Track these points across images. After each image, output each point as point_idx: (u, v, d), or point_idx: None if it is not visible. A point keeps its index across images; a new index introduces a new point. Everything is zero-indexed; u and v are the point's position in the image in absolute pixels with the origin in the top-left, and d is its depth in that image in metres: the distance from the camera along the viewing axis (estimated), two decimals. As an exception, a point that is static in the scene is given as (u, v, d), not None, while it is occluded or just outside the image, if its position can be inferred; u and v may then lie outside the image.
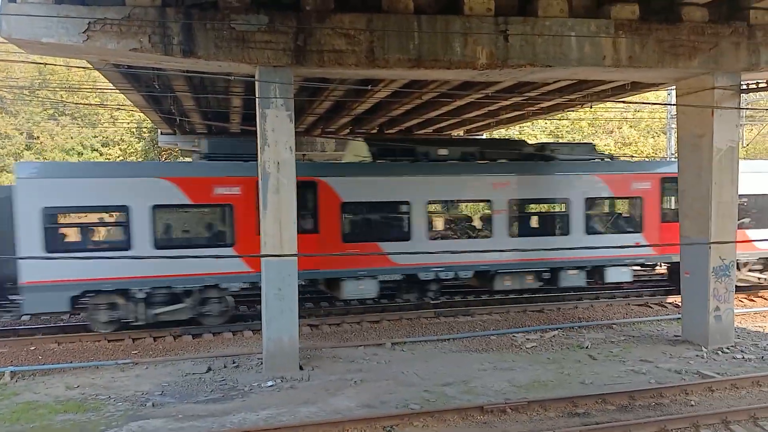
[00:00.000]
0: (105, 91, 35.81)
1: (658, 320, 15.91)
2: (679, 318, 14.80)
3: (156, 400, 10.51)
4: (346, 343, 14.20)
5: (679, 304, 14.49)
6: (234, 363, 12.60)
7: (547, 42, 11.62)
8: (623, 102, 19.62)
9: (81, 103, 37.12)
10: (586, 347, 13.45)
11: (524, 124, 39.32)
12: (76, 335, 14.76)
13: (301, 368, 11.96)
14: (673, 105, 18.80)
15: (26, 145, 40.00)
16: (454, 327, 15.62)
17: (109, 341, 14.48)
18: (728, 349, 13.03)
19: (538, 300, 18.26)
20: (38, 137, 40.27)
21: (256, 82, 11.29)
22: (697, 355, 12.68)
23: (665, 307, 17.58)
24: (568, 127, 46.63)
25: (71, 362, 12.93)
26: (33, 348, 14.01)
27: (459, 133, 31.09)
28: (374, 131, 28.83)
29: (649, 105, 41.62)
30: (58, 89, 37.98)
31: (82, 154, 40.90)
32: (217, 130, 29.95)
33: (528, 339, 14.22)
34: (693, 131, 13.25)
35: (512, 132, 45.09)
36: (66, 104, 40.03)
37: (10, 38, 10.06)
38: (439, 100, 20.02)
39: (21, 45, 10.60)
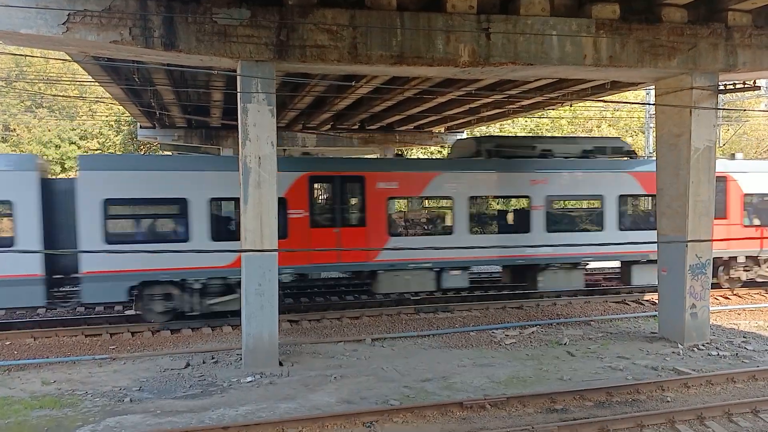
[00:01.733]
0: (84, 83, 35.46)
1: (635, 317, 16.09)
2: (655, 315, 14.97)
3: (134, 396, 10.43)
4: (326, 338, 14.20)
5: (656, 301, 14.66)
6: (213, 359, 12.55)
7: (529, 40, 11.68)
8: (603, 101, 19.73)
9: (59, 96, 36.71)
10: (565, 344, 13.56)
11: (505, 122, 39.51)
12: (53, 330, 14.60)
13: (280, 364, 11.94)
14: (652, 105, 19.00)
15: (2, 138, 39.47)
16: (433, 323, 15.68)
17: (86, 336, 14.36)
18: (704, 346, 13.21)
19: (517, 297, 18.38)
20: (14, 129, 39.74)
21: (238, 77, 11.24)
22: (673, 352, 12.84)
23: (642, 304, 17.77)
24: (548, 125, 46.94)
25: (47, 357, 12.81)
26: (8, 343, 13.86)
27: (440, 130, 31.17)
28: (355, 127, 28.82)
29: (628, 104, 42.00)
30: (35, 81, 37.49)
31: (59, 146, 40.43)
32: (197, 124, 29.77)
33: (507, 335, 14.31)
34: (671, 130, 13.39)
35: (492, 129, 45.31)
36: (44, 96, 39.56)
37: (-12, 29, 9.92)
38: (420, 96, 20.05)
39: (-1, 36, 10.47)
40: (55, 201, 14.53)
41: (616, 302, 18.02)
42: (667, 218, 13.63)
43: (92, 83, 23.10)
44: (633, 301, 18.04)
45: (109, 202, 14.44)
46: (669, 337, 13.71)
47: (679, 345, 13.19)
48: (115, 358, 12.67)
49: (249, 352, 11.72)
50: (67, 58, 15.77)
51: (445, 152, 45.12)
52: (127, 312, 16.35)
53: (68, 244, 14.37)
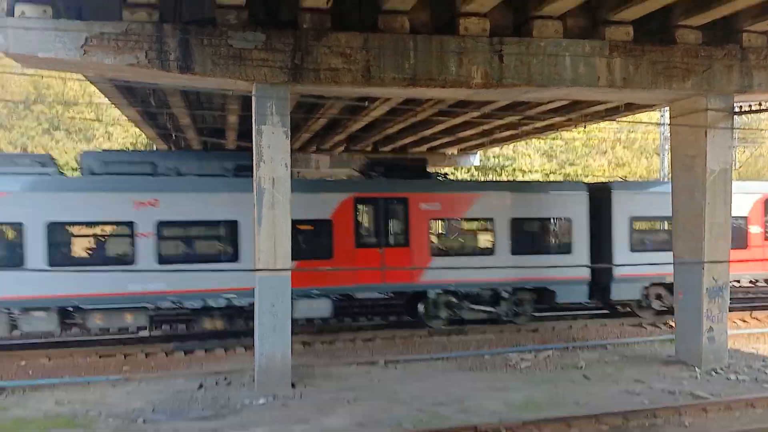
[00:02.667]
0: (101, 106, 35.90)
1: (651, 341, 15.89)
2: (672, 338, 14.80)
3: (147, 417, 10.41)
4: (339, 360, 14.13)
5: (673, 324, 14.48)
6: (226, 380, 12.51)
7: (542, 62, 11.70)
8: (617, 121, 19.85)
9: (76, 117, 37.16)
10: (581, 367, 13.41)
11: (518, 144, 39.51)
12: (67, 350, 14.64)
13: (293, 386, 11.88)
14: (667, 125, 18.97)
15: (20, 160, 39.92)
16: (447, 346, 15.57)
17: (100, 357, 14.37)
18: (722, 370, 13.01)
19: (532, 319, 18.23)
20: (32, 152, 40.20)
21: (253, 99, 11.32)
22: (690, 376, 12.66)
23: (659, 327, 17.57)
24: (562, 147, 46.85)
25: (62, 377, 12.83)
26: (23, 363, 13.89)
27: (453, 152, 31.22)
28: (368, 149, 28.93)
29: (643, 126, 41.89)
30: (53, 103, 38.03)
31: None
32: (212, 146, 30.00)
33: (522, 358, 14.17)
34: (686, 152, 13.32)
35: (506, 151, 45.29)
36: (61, 119, 40.09)
37: (8, 52, 10.08)
38: (434, 118, 20.12)
39: (18, 59, 10.61)
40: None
41: (633, 325, 17.82)
42: (683, 241, 13.51)
43: (109, 105, 23.38)
44: (650, 324, 17.84)
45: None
46: (686, 360, 13.52)
47: (697, 369, 13.01)
48: (129, 379, 12.66)
49: (262, 373, 11.68)
50: (85, 80, 15.98)
51: (460, 174, 45.10)
52: (141, 333, 16.38)
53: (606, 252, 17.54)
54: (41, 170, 14.51)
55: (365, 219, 16.85)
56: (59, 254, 14.21)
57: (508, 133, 24.01)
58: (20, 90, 43.36)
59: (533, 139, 38.64)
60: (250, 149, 11.52)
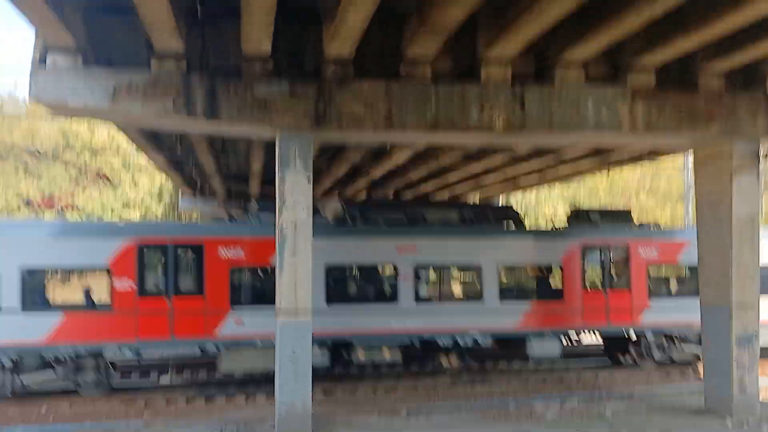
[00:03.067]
0: (128, 154, 36.55)
1: (680, 390, 15.51)
2: (701, 389, 14.41)
3: (166, 465, 10.31)
4: (361, 409, 13.94)
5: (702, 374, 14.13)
6: (246, 427, 12.37)
7: (564, 108, 11.73)
8: (644, 161, 19.86)
9: (104, 166, 37.79)
10: (607, 418, 13.09)
11: (541, 190, 39.44)
12: (88, 396, 14.61)
13: (314, 434, 11.73)
14: (691, 169, 18.92)
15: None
16: (471, 395, 15.32)
17: (121, 402, 14.33)
18: (754, 421, 12.62)
19: (557, 368, 17.93)
20: (60, 199, 40.86)
21: (277, 146, 11.44)
22: (721, 427, 12.28)
23: (687, 377, 17.17)
24: (585, 193, 46.68)
25: (83, 423, 12.78)
26: (45, 409, 13.88)
27: (475, 198, 31.21)
28: (390, 196, 29.03)
29: (666, 172, 41.67)
30: (81, 152, 38.80)
31: (102, 216, 41.39)
32: (236, 193, 30.30)
33: (548, 408, 13.87)
34: (711, 198, 13.18)
35: (529, 198, 45.19)
36: (88, 167, 40.82)
37: (39, 100, 10.32)
38: (455, 164, 20.18)
39: (49, 107, 10.87)
40: None
41: (660, 375, 17.44)
42: (710, 287, 13.26)
43: (136, 154, 23.76)
44: (678, 374, 17.45)
45: None
46: (717, 411, 13.12)
47: (728, 420, 12.62)
48: (150, 425, 12.57)
49: (282, 421, 11.52)
50: (113, 129, 16.31)
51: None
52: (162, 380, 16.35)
53: None
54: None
55: (589, 264, 18.21)
56: (336, 293, 16.19)
57: (530, 179, 23.97)
58: (49, 139, 44.34)
59: (556, 186, 38.55)
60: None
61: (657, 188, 46.74)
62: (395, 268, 16.76)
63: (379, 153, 19.07)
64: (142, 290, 15.09)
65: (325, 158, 19.64)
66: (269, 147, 16.37)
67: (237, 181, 26.00)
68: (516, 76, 11.63)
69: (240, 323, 15.37)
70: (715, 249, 13.07)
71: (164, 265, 15.43)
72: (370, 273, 17.61)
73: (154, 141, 18.54)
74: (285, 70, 11.20)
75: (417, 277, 16.82)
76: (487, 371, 17.65)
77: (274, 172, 11.68)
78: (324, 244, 15.44)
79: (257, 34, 9.86)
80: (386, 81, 11.32)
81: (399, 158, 18.98)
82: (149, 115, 10.93)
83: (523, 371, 17.51)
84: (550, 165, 20.04)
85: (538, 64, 11.94)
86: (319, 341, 14.85)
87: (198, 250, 15.63)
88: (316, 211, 15.64)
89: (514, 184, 24.96)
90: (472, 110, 11.48)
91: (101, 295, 15.16)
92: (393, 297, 16.59)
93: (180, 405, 14.40)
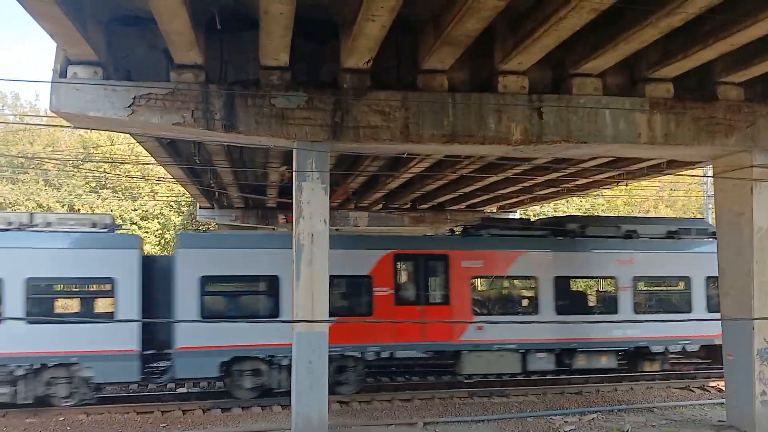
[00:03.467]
0: (147, 165, 36.86)
1: (701, 404, 15.31)
2: (723, 402, 14.23)
3: (182, 475, 10.31)
4: (377, 421, 13.89)
5: (723, 388, 13.96)
6: (262, 438, 12.38)
7: (582, 119, 11.70)
8: (663, 173, 19.73)
9: (122, 176, 38.10)
10: (627, 431, 12.95)
11: (559, 202, 39.32)
12: (105, 406, 14.68)
13: (330, 445, 11.70)
14: (710, 181, 18.80)
15: (67, 218, 40.93)
16: (488, 408, 15.20)
17: (137, 413, 14.37)
18: (777, 436, 12.43)
19: (576, 381, 17.76)
20: (79, 210, 41.26)
21: (294, 156, 11.49)
22: (743, 442, 12.12)
23: (708, 390, 16.95)
24: (603, 205, 46.42)
25: (99, 434, 12.84)
26: (62, 419, 13.94)
27: (492, 209, 31.14)
28: (407, 206, 29.05)
29: (685, 184, 41.35)
30: (101, 163, 39.15)
31: (121, 226, 41.67)
32: (254, 204, 30.45)
33: (566, 422, 13.75)
34: (731, 209, 13.05)
35: (546, 210, 45.01)
36: (108, 177, 41.18)
37: (59, 112, 10.45)
38: (473, 175, 20.16)
39: (68, 118, 11.00)
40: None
41: (680, 388, 17.23)
42: (731, 299, 13.11)
43: (154, 164, 23.97)
44: (697, 387, 17.23)
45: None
46: (738, 426, 12.95)
47: (750, 434, 12.45)
48: (166, 436, 12.61)
49: (298, 432, 11.52)
50: (132, 140, 16.47)
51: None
52: (179, 390, 16.40)
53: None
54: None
55: None
56: (563, 304, 17.11)
57: (548, 190, 23.90)
58: (69, 149, 44.83)
59: (574, 197, 38.38)
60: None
61: (676, 200, 46.39)
62: (614, 280, 17.80)
63: (396, 165, 19.11)
64: (398, 298, 16.50)
65: (341, 169, 19.68)
66: (287, 157, 16.46)
67: (254, 191, 26.11)
68: (533, 86, 11.63)
69: (480, 329, 16.44)
70: (736, 261, 12.93)
71: (416, 274, 17.01)
72: (591, 284, 19.57)
73: (172, 153, 18.70)
74: (303, 82, 11.27)
75: (634, 288, 17.77)
76: (504, 383, 17.51)
77: (291, 182, 11.73)
78: (553, 257, 17.30)
79: (275, 46, 9.94)
80: (403, 92, 11.36)
81: (416, 169, 19.01)
82: (168, 127, 11.03)
83: (540, 383, 17.34)
84: (567, 176, 19.97)
85: (556, 74, 11.94)
86: (547, 347, 16.80)
87: (444, 260, 16.83)
88: (549, 227, 17.90)
89: (531, 195, 24.87)
90: (489, 121, 11.48)
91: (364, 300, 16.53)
92: (613, 307, 17.57)
93: (197, 415, 14.42)
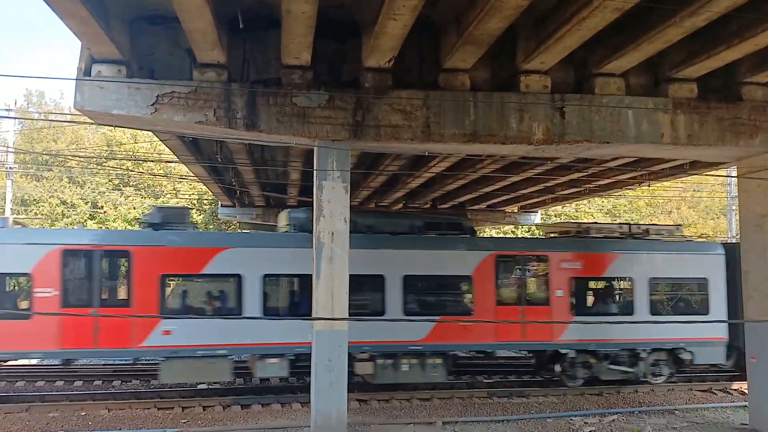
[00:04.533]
0: (169, 163, 37.16)
1: (723, 407, 15.15)
2: (745, 405, 14.07)
3: (202, 471, 10.39)
4: (396, 420, 13.90)
5: (746, 391, 13.80)
6: (282, 436, 12.43)
7: (604, 119, 11.62)
8: (687, 174, 19.52)
9: (145, 173, 38.42)
10: (647, 433, 12.86)
11: (581, 202, 39.07)
12: (126, 402, 14.83)
13: (349, 444, 11.73)
14: (734, 182, 18.51)
15: (90, 215, 41.40)
16: (508, 408, 15.15)
17: (158, 409, 14.50)
18: (801, 441, 12.27)
19: (596, 382, 17.64)
20: (102, 207, 41.67)
21: (315, 155, 11.53)
22: (766, 447, 11.98)
23: (730, 393, 16.77)
24: (625, 206, 46.04)
25: (120, 429, 12.96)
26: (84, 413, 14.11)
27: (513, 209, 30.99)
28: (427, 205, 28.99)
29: (709, 185, 40.90)
30: (124, 160, 39.55)
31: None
32: (274, 202, 30.56)
33: (586, 423, 13.67)
34: (756, 211, 12.90)
35: (568, 210, 44.75)
36: (131, 175, 41.57)
37: (83, 110, 10.57)
38: (494, 175, 20.07)
39: (92, 116, 11.12)
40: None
41: (702, 390, 17.06)
42: (755, 302, 12.96)
43: (177, 162, 24.14)
44: (720, 390, 17.05)
45: None
46: (761, 429, 12.80)
47: (773, 439, 12.30)
48: (186, 432, 12.70)
49: (317, 430, 11.55)
50: (154, 138, 16.60)
51: (519, 232, 44.74)
52: (200, 386, 16.52)
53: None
54: None
55: None
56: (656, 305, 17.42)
57: (570, 191, 23.73)
58: (93, 147, 45.31)
59: (596, 198, 38.10)
60: None
61: (699, 201, 45.89)
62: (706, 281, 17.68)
63: (416, 164, 19.08)
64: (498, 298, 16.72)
65: (362, 168, 19.70)
66: (308, 156, 16.50)
67: (275, 189, 26.23)
68: (555, 86, 11.58)
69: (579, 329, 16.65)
70: (760, 263, 12.78)
71: (516, 275, 17.19)
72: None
73: (194, 151, 18.82)
74: (324, 81, 11.31)
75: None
76: (524, 383, 17.45)
77: (312, 181, 11.77)
78: (647, 258, 17.52)
79: (297, 45, 9.98)
80: (425, 91, 11.35)
81: (436, 169, 18.97)
82: (190, 125, 11.12)
83: (561, 384, 17.25)
84: (590, 176, 19.83)
85: (578, 74, 11.87)
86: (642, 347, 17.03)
87: (545, 261, 17.14)
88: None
89: (553, 195, 24.72)
90: (511, 120, 11.45)
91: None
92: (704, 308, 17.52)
93: (216, 412, 14.51)
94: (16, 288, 15.52)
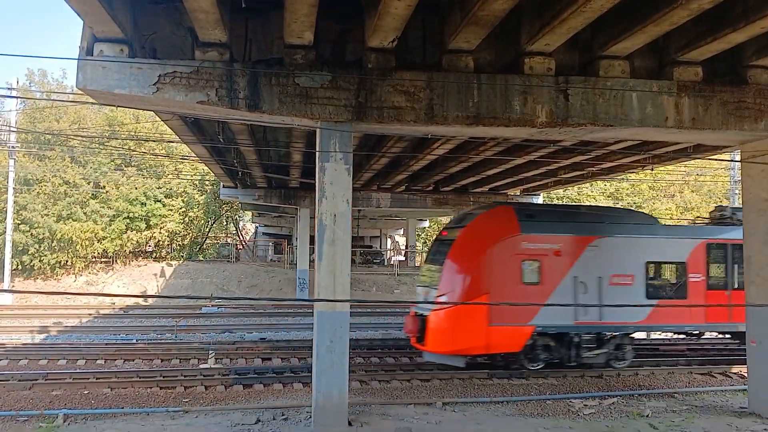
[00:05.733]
0: (171, 143, 37.12)
1: (722, 390, 15.22)
2: (745, 389, 14.12)
3: (204, 450, 10.46)
4: (396, 400, 13.97)
5: (745, 375, 13.84)
6: (283, 415, 12.49)
7: (608, 102, 11.56)
8: (690, 158, 19.36)
9: (147, 153, 38.41)
10: (647, 416, 12.91)
11: (583, 186, 39.02)
12: (129, 381, 14.92)
13: (350, 424, 11.77)
14: (737, 166, 18.42)
15: (92, 195, 41.45)
16: (507, 389, 15.23)
17: (161, 388, 14.59)
18: (799, 424, 12.33)
19: (596, 365, 17.70)
20: (104, 187, 41.71)
21: (317, 136, 11.50)
22: (765, 429, 12.01)
23: (729, 377, 16.83)
24: (628, 189, 45.96)
25: (123, 407, 13.05)
26: (86, 392, 14.21)
27: (515, 192, 30.99)
28: (429, 188, 28.98)
29: (712, 169, 40.83)
30: (126, 140, 39.53)
31: (144, 204, 42.14)
32: (276, 184, 30.56)
33: (586, 405, 13.73)
34: (759, 195, 12.88)
35: (570, 193, 44.71)
36: (133, 155, 41.55)
37: (85, 89, 10.52)
38: (496, 158, 20.05)
39: (94, 96, 11.08)
40: None
41: (702, 374, 17.13)
42: (757, 286, 12.97)
43: (179, 143, 24.09)
44: (719, 374, 17.11)
45: None
46: (761, 413, 12.87)
47: (772, 422, 12.36)
48: (188, 411, 12.77)
49: (318, 410, 11.62)
50: (156, 119, 16.58)
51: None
52: (202, 365, 16.61)
53: None
54: None
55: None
56: None
57: (573, 174, 23.71)
58: (95, 127, 45.26)
59: (598, 181, 38.03)
60: None
61: (702, 185, 45.83)
62: None
63: (419, 146, 19.04)
64: (709, 283, 17.57)
65: (365, 150, 19.66)
66: (310, 138, 16.46)
67: (277, 171, 26.22)
68: (560, 68, 11.51)
69: None
70: (762, 248, 12.78)
71: (725, 262, 17.94)
72: None
73: (196, 132, 18.79)
74: (327, 61, 11.24)
75: None
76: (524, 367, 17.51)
77: (314, 163, 11.74)
78: None
79: (300, 24, 9.91)
80: (428, 72, 11.28)
81: (439, 151, 18.95)
82: (192, 105, 11.07)
83: (561, 367, 17.32)
84: (593, 159, 19.79)
85: (583, 56, 11.79)
86: None
87: None
88: None
89: (555, 178, 24.70)
90: (514, 103, 11.38)
91: None
92: None
93: (218, 391, 14.61)
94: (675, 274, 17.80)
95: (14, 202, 35.92)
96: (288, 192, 32.33)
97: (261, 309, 29.44)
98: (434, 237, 19.20)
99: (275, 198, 32.59)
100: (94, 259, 40.89)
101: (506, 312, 15.65)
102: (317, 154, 11.55)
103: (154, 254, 44.23)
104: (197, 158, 25.93)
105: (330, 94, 11.17)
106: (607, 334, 16.77)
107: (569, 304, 15.91)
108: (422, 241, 61.65)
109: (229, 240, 54.50)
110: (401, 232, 62.94)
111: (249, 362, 17.67)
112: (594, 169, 22.11)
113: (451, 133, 14.46)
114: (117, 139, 41.30)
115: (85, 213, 39.86)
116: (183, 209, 44.54)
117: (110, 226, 40.49)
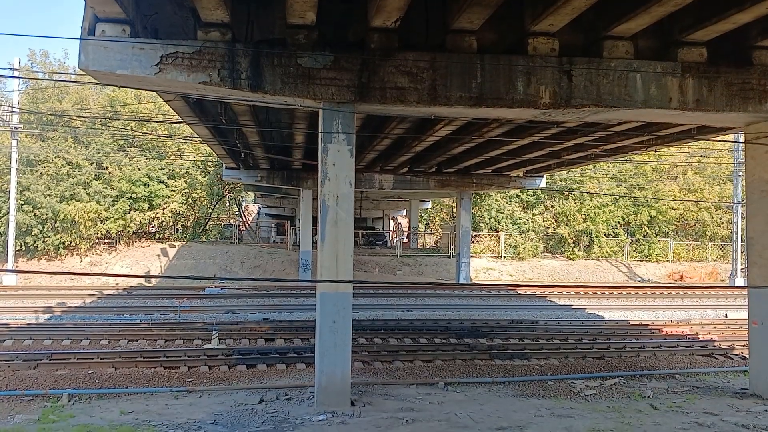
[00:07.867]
0: (173, 124, 37.06)
1: (723, 371, 15.28)
2: (746, 370, 14.17)
3: (207, 429, 10.54)
4: (398, 381, 14.06)
5: (746, 356, 13.88)
6: (286, 395, 12.59)
7: (612, 83, 11.50)
8: (694, 139, 19.24)
9: (150, 134, 38.37)
10: (648, 397, 12.98)
11: (586, 167, 38.91)
12: (133, 361, 15.02)
13: (352, 404, 11.86)
14: (742, 147, 18.34)
15: (95, 175, 41.45)
16: (509, 370, 15.31)
17: (164, 368, 14.69)
18: (800, 406, 12.39)
19: (598, 346, 17.78)
20: (107, 167, 41.70)
21: (320, 117, 11.47)
22: (766, 410, 12.07)
23: (731, 358, 16.89)
24: (631, 171, 45.85)
25: (127, 387, 13.15)
26: (90, 372, 14.30)
27: (518, 174, 30.94)
28: (432, 170, 28.94)
29: (715, 151, 40.69)
30: (128, 121, 39.46)
31: (147, 185, 42.16)
32: (279, 165, 30.53)
33: (587, 386, 13.81)
34: (763, 177, 12.85)
35: (573, 174, 44.61)
36: (135, 136, 41.50)
37: (87, 70, 10.49)
38: (499, 139, 20.00)
39: (96, 76, 11.05)
40: None
41: (703, 355, 17.19)
42: (759, 268, 12.98)
43: (181, 123, 24.03)
44: (721, 355, 17.17)
45: None
46: (761, 394, 12.93)
47: (773, 403, 12.42)
48: (192, 391, 12.88)
49: (321, 390, 11.71)
50: (159, 99, 16.53)
51: (525, 197, 44.69)
52: (206, 346, 16.71)
53: None
54: None
55: None
56: None
57: (576, 155, 23.65)
58: (97, 107, 45.16)
59: (602, 163, 37.95)
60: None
61: (706, 167, 45.70)
62: None
63: (422, 128, 18.98)
64: None
65: (368, 131, 19.61)
66: (312, 119, 16.41)
67: (280, 152, 26.18)
68: (564, 49, 11.43)
69: None
70: (765, 230, 12.77)
71: None
72: None
73: (198, 113, 18.74)
74: (329, 42, 11.18)
75: None
76: (525, 346, 17.59)
77: (317, 144, 11.72)
78: None
79: (302, 5, 9.86)
80: (431, 53, 11.22)
81: (442, 132, 18.90)
82: (194, 86, 11.04)
83: (563, 348, 17.39)
84: (596, 141, 19.73)
85: (587, 37, 11.70)
86: None
87: None
88: None
89: (558, 159, 24.64)
90: (518, 84, 11.33)
91: None
92: None
93: (222, 371, 14.71)
94: None
95: (17, 183, 35.97)
96: (291, 173, 32.34)
97: (264, 290, 29.58)
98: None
99: (278, 179, 32.60)
100: (97, 240, 41.00)
101: None
102: (320, 135, 11.52)
103: (158, 235, 44.34)
104: (200, 139, 25.90)
105: (332, 75, 11.12)
106: None
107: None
108: (425, 222, 61.70)
109: (232, 221, 54.60)
110: (404, 213, 63.02)
111: (252, 343, 17.78)
112: (597, 150, 22.06)
113: (454, 114, 14.43)
114: (119, 119, 41.23)
115: (88, 194, 39.89)
116: (186, 190, 44.56)
117: (113, 206, 40.55)
